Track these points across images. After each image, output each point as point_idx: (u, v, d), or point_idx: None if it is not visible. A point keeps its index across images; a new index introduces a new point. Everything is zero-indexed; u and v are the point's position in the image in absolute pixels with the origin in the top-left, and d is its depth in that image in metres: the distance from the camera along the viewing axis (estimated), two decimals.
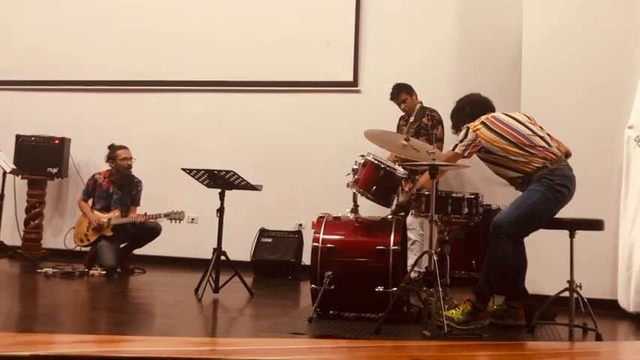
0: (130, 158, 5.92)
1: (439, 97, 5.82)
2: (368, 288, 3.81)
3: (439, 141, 5.43)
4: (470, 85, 5.92)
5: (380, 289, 3.77)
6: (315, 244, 3.97)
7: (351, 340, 3.47)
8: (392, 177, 4.04)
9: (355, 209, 4.15)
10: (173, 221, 5.56)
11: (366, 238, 3.96)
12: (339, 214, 4.14)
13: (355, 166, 4.11)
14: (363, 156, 4.12)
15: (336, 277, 3.87)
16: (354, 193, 4.12)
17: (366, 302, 3.88)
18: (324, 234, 3.99)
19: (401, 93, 5.53)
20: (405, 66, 6.10)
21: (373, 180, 4.01)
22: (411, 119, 5.51)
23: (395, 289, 3.73)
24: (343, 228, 4.05)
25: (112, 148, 5.95)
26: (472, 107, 4.06)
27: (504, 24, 5.90)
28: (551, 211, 3.75)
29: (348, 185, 4.11)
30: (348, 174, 4.14)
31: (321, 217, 4.13)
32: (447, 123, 5.56)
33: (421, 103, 5.58)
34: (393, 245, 3.86)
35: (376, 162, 4.03)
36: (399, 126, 5.70)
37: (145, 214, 5.69)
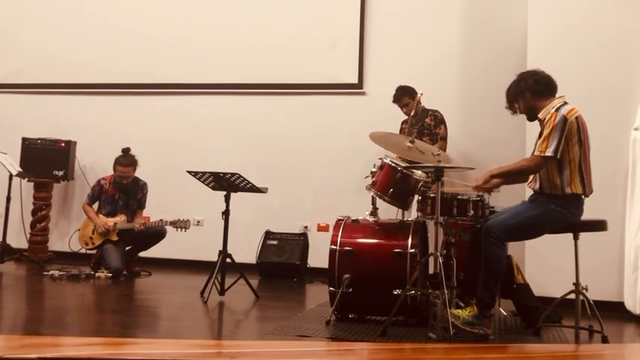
0: (128, 177, 5.83)
1: (444, 98, 5.83)
2: (385, 291, 3.79)
3: (443, 140, 5.44)
4: (475, 86, 5.99)
5: (398, 292, 3.75)
6: (333, 246, 3.97)
7: (355, 342, 3.47)
8: (409, 179, 4.03)
9: (374, 212, 4.15)
10: (178, 229, 5.55)
11: (383, 241, 3.96)
12: (359, 217, 4.14)
13: (374, 169, 4.10)
14: (381, 159, 4.11)
15: (354, 279, 3.87)
16: (373, 196, 4.12)
17: (383, 305, 3.80)
18: (342, 237, 3.99)
19: (403, 97, 5.50)
20: (410, 68, 6.10)
21: (390, 182, 4.00)
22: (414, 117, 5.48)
23: (399, 291, 3.73)
24: (361, 231, 4.04)
25: (117, 160, 5.85)
26: (535, 81, 3.73)
27: (510, 26, 5.90)
28: (547, 229, 3.69)
29: (366, 188, 4.10)
30: (367, 176, 4.14)
31: (339, 220, 4.13)
32: (450, 123, 5.60)
33: (422, 104, 5.51)
34: (411, 248, 3.86)
35: (393, 164, 4.02)
36: (401, 129, 5.69)
37: (161, 220, 5.63)
